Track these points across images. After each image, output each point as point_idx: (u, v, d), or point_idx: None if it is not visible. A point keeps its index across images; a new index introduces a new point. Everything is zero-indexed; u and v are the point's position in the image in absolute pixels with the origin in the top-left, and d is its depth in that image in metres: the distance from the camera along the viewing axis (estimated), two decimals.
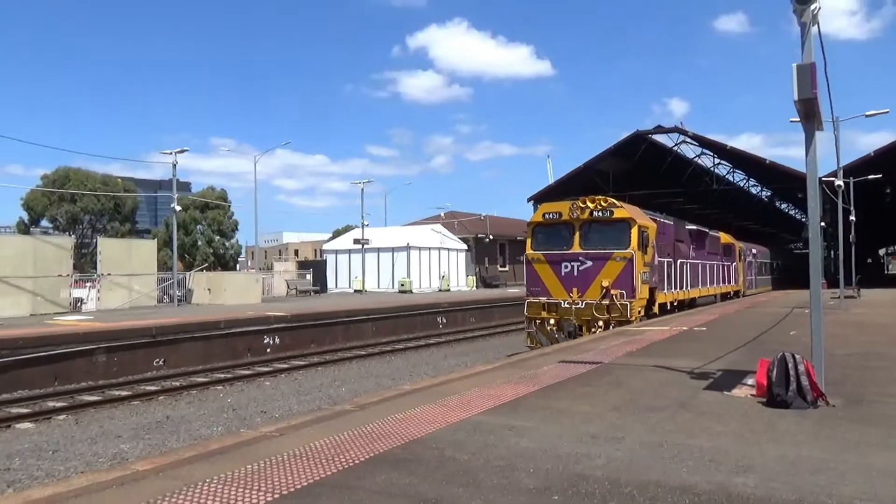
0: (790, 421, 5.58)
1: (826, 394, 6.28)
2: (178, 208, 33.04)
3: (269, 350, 19.58)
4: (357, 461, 4.56)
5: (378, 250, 47.09)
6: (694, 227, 23.69)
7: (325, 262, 49.42)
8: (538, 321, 16.19)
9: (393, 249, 47.49)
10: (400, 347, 21.46)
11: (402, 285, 43.94)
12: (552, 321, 15.94)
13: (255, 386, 15.13)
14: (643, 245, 15.91)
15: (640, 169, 44.23)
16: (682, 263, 20.30)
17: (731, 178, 50.70)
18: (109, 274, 26.76)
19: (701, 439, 5.04)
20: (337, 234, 77.90)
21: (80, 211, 65.39)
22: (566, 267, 15.94)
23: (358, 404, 6.67)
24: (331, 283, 46.92)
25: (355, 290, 44.62)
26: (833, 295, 23.75)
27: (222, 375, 15.94)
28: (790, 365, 6.23)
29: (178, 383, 14.93)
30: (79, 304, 25.57)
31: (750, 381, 7.23)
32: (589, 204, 15.95)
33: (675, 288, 19.44)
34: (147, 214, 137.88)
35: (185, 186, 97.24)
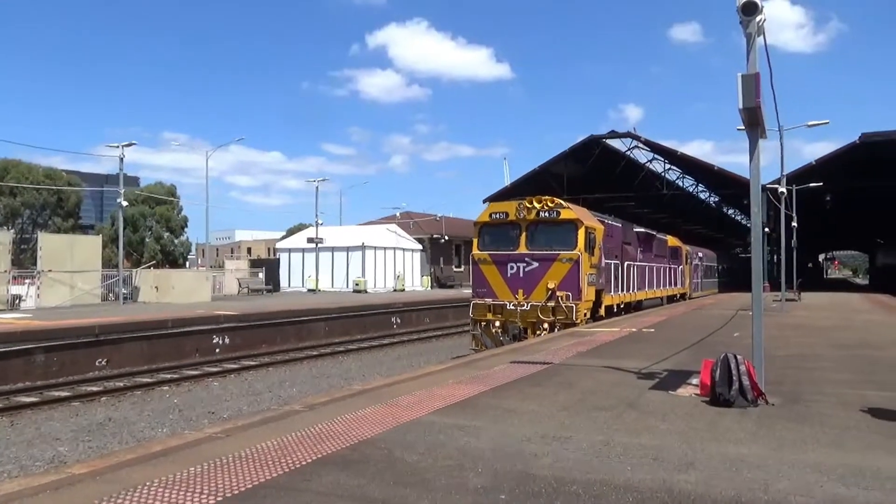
0: (731, 419, 5.74)
1: (766, 393, 6.48)
2: (124, 203, 32.06)
3: (218, 350, 19.18)
4: (304, 462, 4.50)
5: (332, 249, 46.66)
6: (642, 229, 23.75)
7: (278, 260, 48.68)
8: (483, 323, 16.01)
9: (348, 249, 47.15)
10: (353, 348, 21.29)
11: (357, 285, 43.64)
12: (497, 323, 15.74)
13: (203, 387, 14.79)
14: (590, 246, 15.85)
15: (594, 173, 44.94)
16: (629, 266, 20.33)
17: (681, 184, 51.96)
18: (50, 270, 25.82)
19: (646, 438, 5.14)
20: (290, 232, 76.81)
21: (21, 205, 62.91)
22: (512, 268, 15.77)
23: (307, 405, 6.58)
24: (284, 283, 46.26)
25: (309, 290, 44.10)
26: (775, 298, 24.55)
27: (168, 376, 15.53)
28: (732, 365, 6.41)
29: (121, 384, 14.48)
30: (17, 302, 24.61)
31: (694, 380, 7.41)
32: (536, 204, 15.80)
33: (622, 290, 19.51)
34: (92, 210, 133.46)
35: (133, 181, 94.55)
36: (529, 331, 15.22)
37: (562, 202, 16.05)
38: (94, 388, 13.94)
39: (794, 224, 27.66)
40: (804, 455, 4.65)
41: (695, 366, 8.38)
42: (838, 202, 38.76)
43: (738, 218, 66.68)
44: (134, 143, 31.33)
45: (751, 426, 5.52)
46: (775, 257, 37.21)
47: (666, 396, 6.85)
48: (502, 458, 4.57)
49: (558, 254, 15.41)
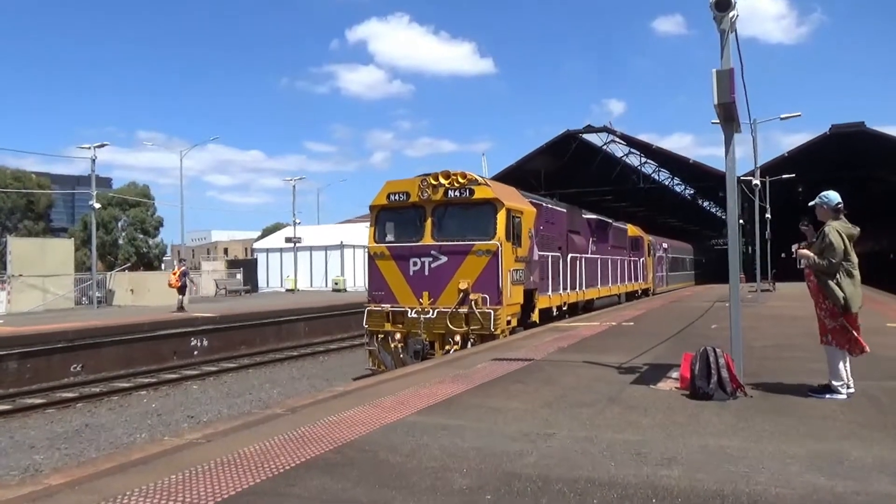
0: (712, 412, 5.81)
1: (744, 385, 6.57)
2: (97, 206, 31.56)
3: (196, 353, 18.97)
4: (288, 467, 4.46)
5: (311, 248, 46.43)
6: (594, 216, 21.05)
7: (255, 260, 48.34)
8: (381, 335, 12.86)
9: (326, 248, 46.93)
10: (334, 347, 21.19)
11: (336, 284, 43.45)
12: (398, 336, 12.59)
13: (182, 390, 14.62)
14: (514, 234, 12.85)
15: (571, 167, 45.20)
16: (575, 259, 17.48)
17: (657, 177, 52.48)
18: (21, 275, 25.31)
19: (628, 433, 5.18)
20: (267, 232, 76.25)
21: None
22: (415, 264, 12.69)
23: (289, 407, 6.53)
24: (262, 283, 45.93)
25: (287, 290, 43.82)
26: (751, 289, 24.93)
27: (146, 380, 15.32)
28: (711, 359, 6.48)
29: (98, 389, 14.26)
30: None
31: (674, 374, 7.49)
32: (442, 181, 12.65)
33: (566, 288, 16.70)
34: (64, 212, 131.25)
35: (105, 182, 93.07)
36: (437, 345, 12.31)
37: (477, 177, 12.84)
38: (70, 395, 13.71)
39: (768, 215, 28.09)
40: (783, 446, 4.72)
41: (674, 359, 8.48)
42: (810, 193, 39.39)
43: (714, 210, 67.59)
44: (106, 144, 30.86)
45: (730, 419, 5.59)
46: (750, 248, 37.77)
47: (647, 391, 6.91)
48: (487, 458, 4.57)
49: (472, 244, 12.41)
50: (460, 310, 12.16)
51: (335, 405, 6.51)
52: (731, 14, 6.46)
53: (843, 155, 37.59)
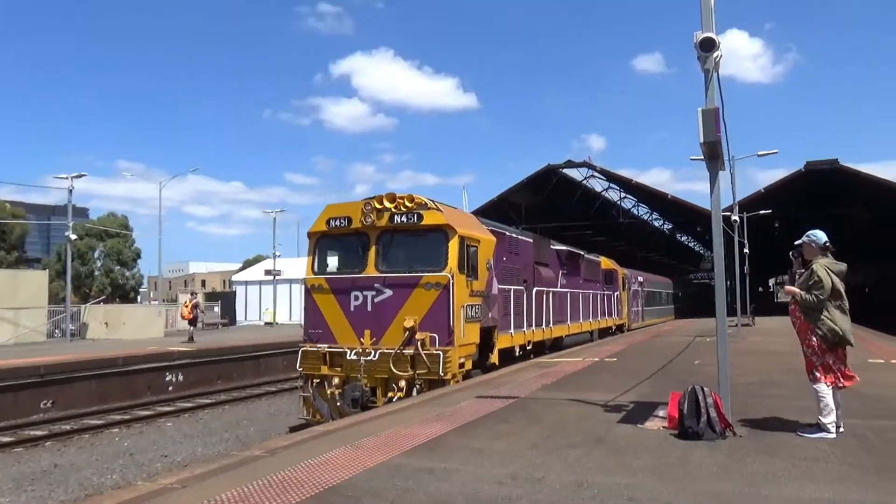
0: (702, 454, 5.70)
1: (733, 424, 6.49)
2: (73, 237, 31.05)
3: (171, 388, 18.51)
4: None
5: (290, 281, 45.98)
6: (564, 247, 19.82)
7: (234, 293, 47.74)
8: (317, 380, 11.45)
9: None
10: None
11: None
12: (336, 380, 11.14)
13: (156, 428, 14.18)
14: (469, 265, 11.51)
15: (551, 201, 45.55)
16: (541, 293, 15.97)
17: (636, 212, 53.06)
18: None
19: (619, 476, 5.05)
20: (248, 264, 75.59)
21: None
22: (356, 298, 11.30)
23: (268, 449, 6.31)
24: (240, 316, 45.34)
25: (266, 323, 43.26)
26: (731, 323, 25.05)
27: (119, 417, 14.85)
28: (700, 398, 6.41)
29: (68, 426, 13.78)
30: None
31: (661, 412, 7.39)
32: (388, 204, 11.31)
33: (531, 325, 15.16)
34: (39, 242, 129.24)
35: (82, 212, 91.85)
36: (379, 391, 10.93)
37: (427, 201, 11.44)
38: (39, 433, 13.22)
39: (746, 250, 28.42)
40: (778, 490, 4.62)
41: (659, 396, 8.40)
42: (786, 228, 40.08)
43: (692, 245, 68.40)
44: (84, 175, 30.61)
45: (722, 460, 5.49)
46: (729, 283, 38.10)
47: (634, 430, 6.79)
48: None
49: (420, 276, 11.04)
50: (405, 351, 10.73)
51: (316, 446, 6.30)
52: (714, 54, 6.55)
53: (818, 191, 38.36)
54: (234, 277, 54.72)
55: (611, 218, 48.45)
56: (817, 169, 34.53)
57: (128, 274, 73.94)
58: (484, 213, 44.55)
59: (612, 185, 47.78)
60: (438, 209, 11.36)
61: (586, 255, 22.27)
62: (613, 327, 26.02)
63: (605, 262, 25.75)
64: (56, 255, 68.69)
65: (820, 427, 6.26)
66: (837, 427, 6.26)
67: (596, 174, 44.83)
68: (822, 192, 38.28)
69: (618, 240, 54.94)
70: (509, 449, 6.06)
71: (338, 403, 10.93)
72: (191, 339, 24.25)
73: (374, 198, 11.53)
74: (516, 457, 5.76)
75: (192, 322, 26.19)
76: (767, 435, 6.44)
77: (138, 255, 74.49)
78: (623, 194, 49.40)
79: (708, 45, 6.46)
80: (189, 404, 16.61)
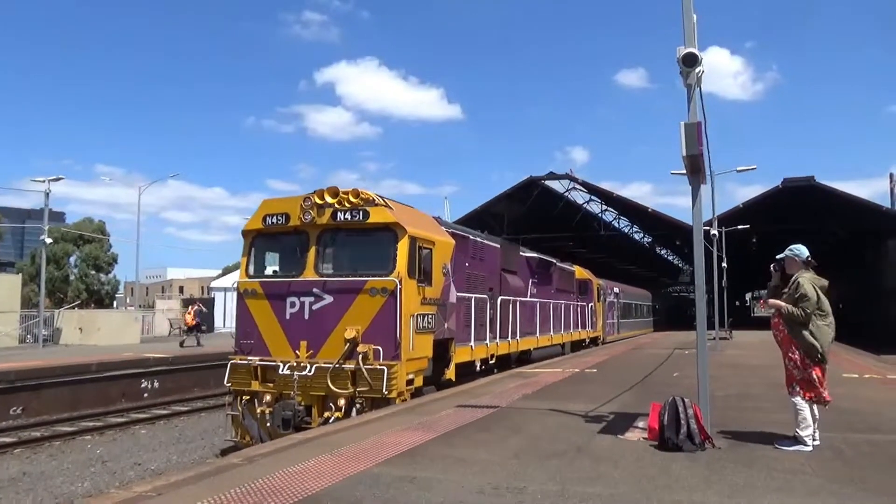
0: (682, 465, 5.72)
1: (712, 436, 6.53)
2: (48, 240, 30.53)
3: (146, 395, 18.20)
4: None
5: None
6: (535, 254, 18.65)
7: (212, 299, 47.19)
8: (246, 397, 10.30)
9: None
10: None
11: None
12: (268, 397, 9.95)
13: (130, 434, 13.93)
14: (421, 270, 10.39)
15: (533, 213, 45.73)
16: (507, 302, 14.94)
17: (617, 224, 53.46)
18: None
19: (600, 487, 5.05)
20: (227, 270, 74.85)
21: None
22: (293, 305, 10.13)
23: (246, 457, 6.22)
24: (219, 322, 44.79)
25: None
26: (709, 337, 25.26)
27: (91, 424, 14.55)
28: (680, 409, 6.44)
29: (38, 434, 13.48)
30: None
31: (641, 423, 7.42)
32: (329, 199, 10.12)
33: (495, 337, 14.07)
34: (12, 246, 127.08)
35: (58, 216, 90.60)
36: (315, 411, 9.70)
37: (374, 197, 10.23)
38: (7, 440, 12.90)
39: (724, 264, 28.74)
40: (757, 501, 4.65)
41: (639, 407, 8.43)
42: (763, 243, 40.63)
43: (671, 258, 69.01)
44: (61, 178, 30.06)
45: (702, 471, 5.51)
46: (707, 296, 38.43)
47: (615, 441, 6.81)
48: None
49: (365, 281, 9.87)
50: (346, 366, 9.54)
51: (294, 454, 6.23)
52: (697, 70, 6.64)
53: (794, 207, 38.94)
54: (213, 284, 54.14)
55: (592, 230, 48.74)
56: (794, 185, 35.09)
57: (104, 279, 72.85)
58: (467, 222, 44.61)
59: (593, 197, 48.11)
60: (387, 206, 10.21)
61: (559, 264, 21.46)
62: (587, 340, 25.25)
63: (580, 272, 25.14)
64: (30, 259, 67.49)
65: (797, 440, 6.32)
66: (814, 440, 6.33)
67: (577, 186, 45.13)
68: (798, 208, 38.89)
69: (598, 252, 55.30)
70: (490, 458, 6.03)
71: (267, 424, 9.80)
72: (198, 344, 25.70)
73: (315, 192, 10.29)
74: (498, 466, 5.74)
75: (197, 328, 27.04)
76: (746, 447, 6.48)
77: (115, 261, 73.48)
78: (604, 207, 49.77)
79: (690, 61, 6.54)
80: (164, 411, 16.33)
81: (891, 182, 45.44)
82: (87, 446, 12.82)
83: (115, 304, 72.73)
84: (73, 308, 34.74)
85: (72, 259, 69.71)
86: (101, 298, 70.46)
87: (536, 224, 44.70)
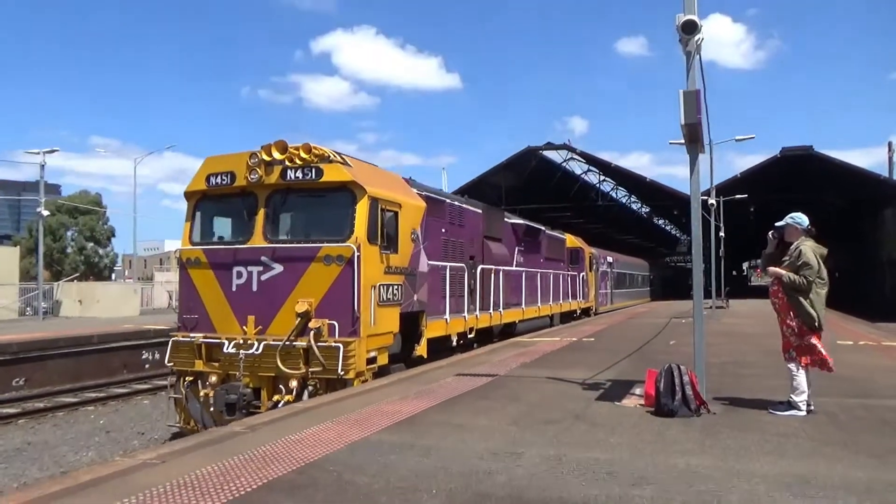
0: (677, 430, 5.82)
1: (707, 402, 6.62)
2: (45, 213, 30.44)
3: (147, 366, 18.34)
4: (249, 489, 4.27)
5: None
6: (521, 221, 17.81)
7: None
8: (189, 378, 9.25)
9: None
10: None
11: None
12: (213, 378, 8.91)
13: (132, 405, 14.08)
14: (384, 235, 9.34)
15: (531, 183, 45.61)
16: (489, 272, 14.01)
17: (614, 195, 53.38)
18: None
19: (597, 451, 5.14)
20: None
21: None
22: (239, 275, 9.08)
23: (248, 425, 6.31)
24: None
25: None
26: (706, 306, 25.43)
27: (94, 395, 14.71)
28: (676, 376, 6.52)
29: (42, 404, 13.62)
30: None
31: (638, 390, 7.52)
32: (277, 155, 8.99)
33: (474, 310, 13.23)
34: (9, 219, 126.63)
35: (53, 189, 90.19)
36: (264, 393, 8.72)
37: (330, 153, 9.08)
38: (11, 410, 13.05)
39: (722, 234, 28.80)
40: (750, 465, 4.74)
41: (636, 375, 8.53)
42: (761, 213, 40.66)
43: (668, 228, 69.06)
44: (56, 150, 29.85)
45: (697, 436, 5.61)
46: (704, 266, 38.53)
47: (612, 408, 6.91)
48: (456, 478, 4.47)
49: (319, 248, 8.85)
50: (297, 343, 8.52)
51: (296, 423, 6.32)
52: (696, 37, 6.58)
53: (792, 177, 38.86)
54: None
55: (590, 200, 48.70)
56: (792, 155, 34.97)
57: (101, 252, 72.81)
58: (464, 192, 44.49)
59: (591, 167, 47.97)
60: (344, 163, 9.09)
61: (548, 231, 20.42)
62: (578, 311, 24.12)
63: (571, 240, 24.14)
64: (27, 232, 67.33)
65: (791, 405, 6.41)
66: (808, 406, 6.42)
67: (575, 156, 44.95)
68: (796, 178, 38.82)
69: (596, 222, 55.30)
70: (489, 425, 6.13)
71: (211, 409, 8.73)
72: None
73: (262, 147, 9.14)
74: (496, 432, 5.83)
75: None
76: (741, 412, 6.59)
77: (112, 233, 73.38)
78: (602, 177, 49.63)
79: (690, 28, 6.48)
80: (166, 382, 16.47)
81: (889, 151, 45.32)
82: (90, 416, 12.97)
83: (113, 276, 72.83)
84: (72, 281, 34.77)
85: (69, 232, 69.57)
86: (99, 271, 70.51)
87: (534, 194, 44.61)
